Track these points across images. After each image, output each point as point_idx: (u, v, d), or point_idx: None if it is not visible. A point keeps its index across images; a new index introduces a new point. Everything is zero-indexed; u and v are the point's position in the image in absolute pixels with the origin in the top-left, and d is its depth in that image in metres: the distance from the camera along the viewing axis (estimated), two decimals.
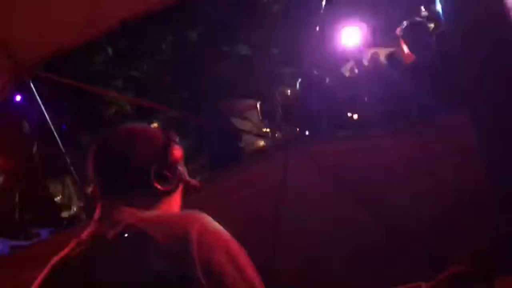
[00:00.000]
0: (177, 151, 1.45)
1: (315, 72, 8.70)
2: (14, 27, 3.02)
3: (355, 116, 10.28)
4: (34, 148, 10.13)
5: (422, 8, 14.57)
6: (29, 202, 9.40)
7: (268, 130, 14.79)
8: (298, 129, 10.89)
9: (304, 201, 3.83)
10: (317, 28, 5.51)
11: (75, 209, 15.01)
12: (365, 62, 11.29)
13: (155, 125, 16.01)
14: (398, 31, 12.11)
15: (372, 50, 12.02)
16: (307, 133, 10.12)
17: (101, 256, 1.27)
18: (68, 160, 4.70)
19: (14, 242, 5.82)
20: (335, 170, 3.78)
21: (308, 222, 3.80)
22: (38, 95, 3.72)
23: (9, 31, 3.02)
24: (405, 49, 12.16)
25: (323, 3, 3.94)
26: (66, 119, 9.58)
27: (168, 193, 1.40)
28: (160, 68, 11.34)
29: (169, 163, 1.41)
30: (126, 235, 1.26)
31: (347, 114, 10.57)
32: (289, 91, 16.47)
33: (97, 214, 1.41)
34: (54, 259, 1.38)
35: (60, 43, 3.41)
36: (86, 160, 1.44)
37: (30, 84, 3.50)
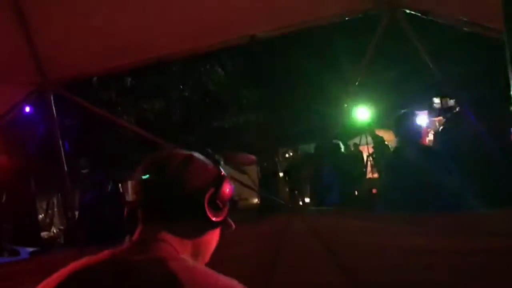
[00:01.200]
0: (229, 185, 1.39)
1: (334, 141, 8.76)
2: (53, 45, 3.06)
3: (374, 191, 10.29)
4: (31, 162, 10.06)
5: (435, 99, 15.00)
6: (12, 214, 9.25)
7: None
8: (308, 198, 10.82)
9: (296, 272, 3.73)
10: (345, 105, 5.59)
11: (54, 231, 14.73)
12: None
13: None
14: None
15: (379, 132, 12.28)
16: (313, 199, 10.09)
17: (118, 277, 1.18)
18: (67, 181, 4.60)
19: None
20: (336, 247, 3.69)
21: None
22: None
23: (48, 48, 3.06)
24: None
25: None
26: (70, 141, 9.57)
27: (216, 225, 1.34)
28: (172, 107, 11.49)
29: (221, 194, 1.39)
30: (159, 270, 1.18)
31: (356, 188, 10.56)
32: (290, 153, 16.64)
33: (135, 236, 1.31)
34: (70, 269, 1.29)
35: (90, 69, 3.46)
36: (133, 178, 1.36)
37: (51, 100, 3.50)
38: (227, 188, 1.34)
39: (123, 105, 10.71)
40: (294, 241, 3.88)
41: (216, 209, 1.31)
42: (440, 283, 3.17)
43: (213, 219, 1.30)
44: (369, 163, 11.90)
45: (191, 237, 1.31)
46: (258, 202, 11.46)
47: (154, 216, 1.29)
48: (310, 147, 16.17)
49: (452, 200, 5.69)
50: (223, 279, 1.22)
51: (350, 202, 9.58)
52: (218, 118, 12.32)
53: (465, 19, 2.58)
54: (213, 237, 1.38)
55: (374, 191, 10.64)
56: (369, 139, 14.44)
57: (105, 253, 1.28)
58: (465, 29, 2.63)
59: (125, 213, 1.36)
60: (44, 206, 14.90)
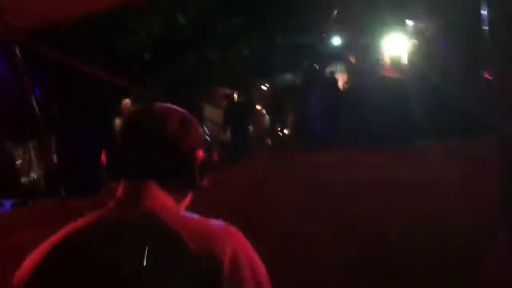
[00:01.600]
0: (216, 153, 1.42)
1: (316, 67, 8.71)
2: None
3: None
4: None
5: (408, 21, 14.87)
6: None
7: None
8: (290, 128, 10.90)
9: (276, 207, 3.85)
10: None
11: (34, 176, 14.68)
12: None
13: (126, 101, 15.81)
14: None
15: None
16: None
17: (115, 236, 1.19)
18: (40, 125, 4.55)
19: None
20: (315, 186, 3.81)
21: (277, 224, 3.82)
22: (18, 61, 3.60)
23: None
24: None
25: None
26: (40, 86, 9.30)
27: (199, 188, 1.37)
28: (144, 45, 11.17)
29: (211, 160, 1.36)
30: (152, 223, 1.18)
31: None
32: (267, 85, 16.55)
33: (120, 191, 1.30)
34: (63, 230, 1.29)
35: (55, 15, 3.30)
36: (117, 131, 1.33)
37: (16, 49, 3.37)
38: (215, 155, 1.36)
39: (92, 46, 10.38)
40: (272, 182, 3.98)
41: (203, 173, 1.33)
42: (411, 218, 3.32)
43: (199, 183, 1.32)
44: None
45: (177, 197, 1.33)
46: (228, 137, 11.44)
47: (142, 171, 1.29)
48: (285, 78, 16.11)
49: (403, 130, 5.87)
50: (213, 221, 1.24)
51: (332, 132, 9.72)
52: (190, 54, 12.07)
53: None
54: (188, 198, 1.40)
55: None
56: (344, 66, 14.43)
57: (92, 216, 1.28)
58: None
59: (103, 159, 1.33)
60: (21, 153, 14.75)
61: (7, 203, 5.64)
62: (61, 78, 10.29)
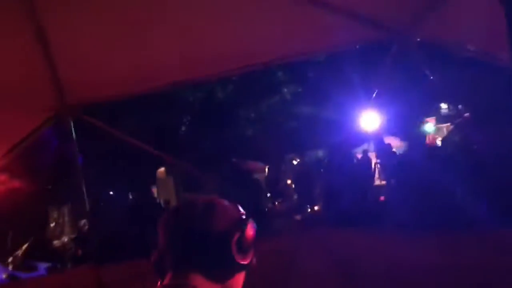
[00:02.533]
0: (253, 227, 1.42)
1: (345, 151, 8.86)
2: (72, 71, 3.15)
3: (381, 198, 10.34)
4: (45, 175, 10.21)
5: (442, 105, 15.01)
6: (24, 225, 9.38)
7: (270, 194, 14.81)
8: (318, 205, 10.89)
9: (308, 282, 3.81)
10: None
11: (65, 239, 14.86)
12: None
13: (161, 169, 16.13)
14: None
15: (387, 139, 12.31)
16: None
17: None
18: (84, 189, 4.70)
19: (10, 271, 5.73)
20: (345, 261, 3.77)
21: None
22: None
23: (67, 74, 3.14)
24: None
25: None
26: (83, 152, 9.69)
27: (244, 268, 1.36)
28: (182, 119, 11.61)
29: (247, 237, 1.37)
30: None
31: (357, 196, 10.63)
32: (297, 160, 16.67)
33: (167, 281, 1.35)
34: None
35: (111, 94, 3.55)
36: (160, 224, 1.39)
37: (70, 125, 3.61)
38: (251, 230, 1.39)
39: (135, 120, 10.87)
40: (304, 257, 3.96)
41: (243, 252, 1.37)
42: None
43: (241, 262, 1.36)
44: (376, 170, 11.93)
45: (221, 281, 1.37)
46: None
47: (183, 262, 1.35)
48: (317, 153, 16.22)
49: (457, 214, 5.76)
50: None
51: (359, 210, 9.65)
52: (227, 129, 12.44)
53: (473, 48, 2.65)
54: (240, 278, 1.43)
55: (381, 198, 10.72)
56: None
57: None
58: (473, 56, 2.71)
59: (153, 258, 1.42)
60: (56, 215, 15.06)
61: (41, 267, 5.74)
62: (103, 147, 10.67)
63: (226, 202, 1.42)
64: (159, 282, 1.43)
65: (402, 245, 3.70)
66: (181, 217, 1.37)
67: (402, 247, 3.68)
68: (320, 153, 15.70)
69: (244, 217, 1.40)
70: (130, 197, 11.38)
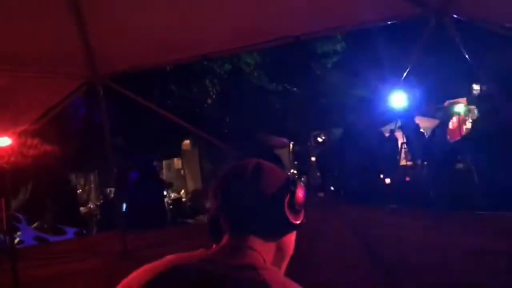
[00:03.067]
0: (302, 189, 1.43)
1: (358, 126, 8.77)
2: (104, 40, 3.18)
3: (387, 181, 10.26)
4: (74, 142, 10.42)
5: (474, 85, 14.64)
6: (53, 190, 9.62)
7: (295, 171, 14.85)
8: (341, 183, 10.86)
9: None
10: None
11: (91, 206, 15.25)
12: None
13: (187, 141, 16.30)
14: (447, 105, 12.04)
15: (417, 119, 12.13)
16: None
17: (216, 279, 1.26)
18: (110, 158, 4.78)
19: (37, 233, 5.92)
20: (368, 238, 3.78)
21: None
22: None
23: (99, 43, 3.18)
24: (451, 125, 12.14)
25: None
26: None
27: (296, 227, 1.40)
28: (209, 92, 11.64)
29: (298, 197, 1.41)
30: (251, 276, 1.24)
31: (379, 176, 10.56)
32: (323, 137, 16.59)
33: (224, 242, 1.38)
34: (162, 264, 1.37)
35: (141, 63, 3.58)
36: (212, 189, 1.42)
37: (100, 92, 3.66)
38: (301, 191, 1.41)
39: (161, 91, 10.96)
40: (328, 235, 3.98)
41: (295, 211, 1.39)
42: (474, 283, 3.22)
43: (294, 221, 1.38)
44: (403, 150, 11.79)
45: (275, 240, 1.39)
46: None
47: (238, 223, 1.37)
48: (343, 132, 16.11)
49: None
50: None
51: (382, 189, 9.60)
52: (253, 103, 12.47)
53: (508, 25, 2.58)
54: (292, 238, 1.46)
55: (407, 178, 10.62)
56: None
57: (201, 252, 1.36)
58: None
59: (207, 219, 1.44)
60: (82, 182, 15.45)
61: (70, 231, 5.92)
62: (129, 116, 10.80)
63: (272, 164, 1.44)
64: (213, 245, 1.46)
65: (428, 226, 3.67)
66: (233, 180, 1.39)
67: (428, 228, 3.66)
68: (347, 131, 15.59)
69: (292, 178, 1.43)
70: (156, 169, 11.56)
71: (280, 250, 1.41)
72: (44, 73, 3.33)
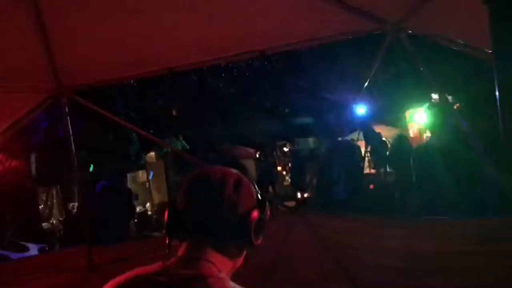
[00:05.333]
0: (269, 210, 1.43)
1: (339, 139, 8.95)
2: (69, 53, 3.17)
3: (371, 186, 10.48)
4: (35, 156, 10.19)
5: (433, 95, 15.10)
6: (14, 205, 9.38)
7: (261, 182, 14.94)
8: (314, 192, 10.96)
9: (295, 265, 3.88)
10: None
11: (53, 222, 14.86)
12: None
13: (151, 154, 16.16)
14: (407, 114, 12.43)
15: (379, 128, 12.43)
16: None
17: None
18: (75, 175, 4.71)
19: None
20: (332, 244, 3.85)
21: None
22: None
23: (64, 56, 3.17)
24: (412, 133, 12.49)
25: None
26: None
27: (254, 247, 1.39)
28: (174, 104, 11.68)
29: (265, 218, 1.40)
30: (201, 285, 1.27)
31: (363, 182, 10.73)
32: (289, 147, 16.77)
33: (182, 251, 1.37)
34: (119, 279, 1.37)
35: (107, 77, 3.59)
36: (182, 187, 1.40)
37: (65, 107, 3.64)
38: (268, 213, 1.44)
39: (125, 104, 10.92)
40: (294, 242, 4.03)
41: (259, 233, 1.42)
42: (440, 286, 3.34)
43: (255, 243, 1.41)
44: (366, 158, 12.07)
45: (233, 257, 1.42)
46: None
47: (201, 236, 1.38)
48: (308, 142, 16.32)
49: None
50: None
51: (356, 197, 9.76)
52: (218, 115, 12.57)
53: (464, 42, 2.73)
54: (243, 257, 1.48)
55: (371, 186, 10.86)
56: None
57: (157, 266, 1.38)
58: (464, 51, 2.79)
59: (165, 220, 1.44)
60: (44, 197, 15.05)
61: (33, 247, 5.78)
62: (93, 130, 10.67)
63: (248, 183, 1.45)
64: (167, 249, 1.46)
65: (392, 231, 3.77)
66: (212, 188, 1.36)
67: (392, 234, 3.75)
68: (311, 141, 15.82)
69: (263, 198, 1.44)
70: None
71: (233, 268, 1.44)
72: (7, 87, 3.29)
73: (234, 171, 1.48)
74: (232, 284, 1.36)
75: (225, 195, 1.40)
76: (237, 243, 1.43)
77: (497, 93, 1.32)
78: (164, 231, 1.44)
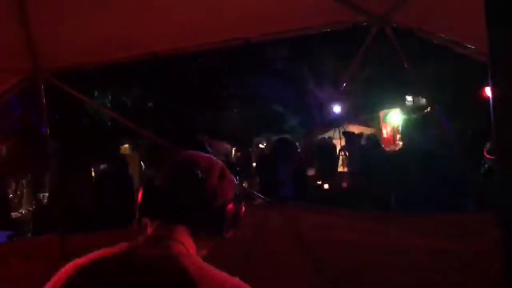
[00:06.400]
0: (244, 205, 1.45)
1: (288, 137, 8.98)
2: (48, 35, 3.09)
3: (326, 186, 10.55)
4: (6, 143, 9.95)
5: (407, 97, 15.40)
6: None
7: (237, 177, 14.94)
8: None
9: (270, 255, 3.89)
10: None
11: (23, 212, 14.55)
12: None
13: (126, 146, 15.97)
14: (382, 114, 12.56)
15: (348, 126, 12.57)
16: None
17: (136, 271, 1.25)
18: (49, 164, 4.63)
19: None
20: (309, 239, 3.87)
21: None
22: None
23: (43, 37, 3.09)
24: (385, 133, 12.67)
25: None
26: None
27: (224, 239, 1.41)
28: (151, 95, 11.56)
29: (240, 212, 1.43)
30: (173, 266, 1.25)
31: (316, 182, 10.83)
32: (264, 144, 16.81)
33: (152, 229, 1.37)
34: (83, 260, 1.34)
35: (85, 60, 3.51)
36: (159, 173, 1.40)
37: (41, 89, 3.54)
38: (243, 207, 1.44)
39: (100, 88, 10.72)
40: (270, 234, 4.03)
41: (232, 225, 1.41)
42: (410, 282, 3.38)
43: (226, 235, 1.41)
44: (340, 157, 12.18)
45: (201, 244, 1.41)
46: None
47: (175, 216, 1.38)
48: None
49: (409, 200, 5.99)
50: (230, 278, 1.30)
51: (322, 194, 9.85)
52: (196, 107, 12.49)
53: (448, 38, 2.76)
54: (212, 245, 1.48)
55: (344, 184, 10.97)
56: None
57: (122, 245, 1.36)
58: (449, 47, 2.82)
59: (140, 196, 1.42)
60: (13, 187, 14.71)
61: (1, 234, 5.64)
62: (67, 119, 10.48)
63: (231, 176, 1.46)
64: (135, 226, 1.44)
65: (362, 227, 3.82)
66: (190, 169, 1.37)
67: (362, 230, 3.80)
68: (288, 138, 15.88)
69: (240, 194, 1.45)
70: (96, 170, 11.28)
71: (199, 252, 1.43)
72: None
73: (219, 161, 1.50)
74: (202, 261, 1.36)
75: (209, 182, 1.41)
76: (208, 232, 1.43)
77: (489, 93, 1.30)
78: (136, 208, 1.43)
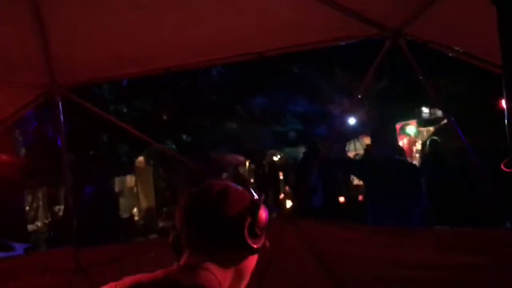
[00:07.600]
0: (265, 212, 1.44)
1: (320, 147, 8.96)
2: (65, 49, 3.14)
3: (341, 199, 10.48)
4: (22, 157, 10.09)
5: (424, 109, 15.28)
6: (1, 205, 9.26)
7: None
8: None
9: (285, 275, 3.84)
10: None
11: (39, 224, 14.69)
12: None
13: (141, 158, 16.06)
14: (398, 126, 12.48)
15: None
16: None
17: None
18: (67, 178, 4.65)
19: None
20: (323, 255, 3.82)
21: None
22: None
23: (60, 52, 3.14)
24: (402, 145, 12.53)
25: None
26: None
27: (255, 251, 1.41)
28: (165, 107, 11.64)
29: (259, 221, 1.41)
30: None
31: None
32: (278, 156, 16.79)
33: (183, 261, 1.39)
34: (121, 284, 1.38)
35: (103, 76, 3.56)
36: (177, 209, 1.45)
37: (59, 104, 3.59)
38: (263, 215, 1.44)
39: (115, 103, 10.84)
40: (285, 251, 4.00)
41: (255, 236, 1.41)
42: None
43: (253, 246, 1.40)
44: None
45: (233, 264, 1.40)
46: None
47: (198, 244, 1.39)
48: (298, 151, 16.37)
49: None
50: None
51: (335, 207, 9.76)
52: (212, 121, 12.54)
53: (463, 51, 2.74)
54: (252, 261, 1.47)
55: (360, 197, 10.88)
56: (357, 145, 14.65)
57: (159, 272, 1.38)
58: (463, 59, 2.80)
59: (169, 239, 1.46)
60: (30, 199, 14.88)
61: (19, 247, 5.70)
62: (82, 133, 10.59)
63: (239, 187, 1.47)
64: (174, 264, 1.49)
65: (380, 242, 3.75)
66: (196, 201, 1.41)
67: (380, 244, 3.73)
68: (302, 150, 15.87)
69: (256, 201, 1.45)
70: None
71: (238, 275, 1.44)
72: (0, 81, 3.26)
73: (220, 182, 1.52)
74: None
75: (208, 204, 1.45)
76: (233, 250, 1.43)
77: (504, 102, 1.28)
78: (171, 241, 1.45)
